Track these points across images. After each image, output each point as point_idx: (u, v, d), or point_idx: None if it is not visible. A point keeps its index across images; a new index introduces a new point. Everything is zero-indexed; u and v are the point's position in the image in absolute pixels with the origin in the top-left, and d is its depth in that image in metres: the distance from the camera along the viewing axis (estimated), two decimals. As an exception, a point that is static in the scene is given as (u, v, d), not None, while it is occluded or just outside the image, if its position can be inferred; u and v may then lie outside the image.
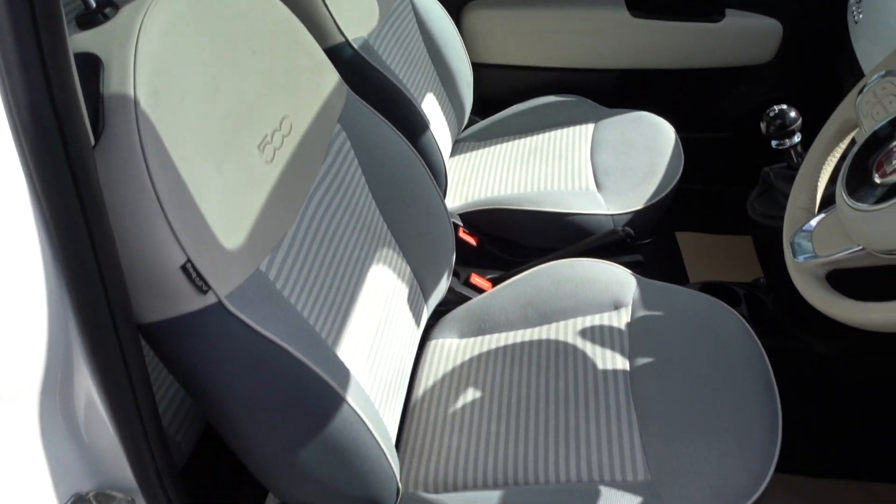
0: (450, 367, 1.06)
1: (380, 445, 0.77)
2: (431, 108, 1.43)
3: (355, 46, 1.16)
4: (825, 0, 1.51)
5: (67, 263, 0.52)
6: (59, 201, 0.49)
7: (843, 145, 0.85)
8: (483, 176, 1.48)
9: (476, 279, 1.27)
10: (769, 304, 1.28)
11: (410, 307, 1.02)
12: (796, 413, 0.88)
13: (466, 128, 1.66)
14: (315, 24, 1.11)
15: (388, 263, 0.98)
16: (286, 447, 0.70)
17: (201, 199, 0.63)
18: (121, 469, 0.64)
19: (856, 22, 1.37)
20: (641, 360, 0.96)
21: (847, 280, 0.76)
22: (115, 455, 0.63)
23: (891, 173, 0.67)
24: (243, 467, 0.74)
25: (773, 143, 1.05)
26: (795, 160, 1.07)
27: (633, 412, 0.90)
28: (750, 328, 1.00)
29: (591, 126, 1.52)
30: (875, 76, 0.80)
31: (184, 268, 0.60)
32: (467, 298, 1.18)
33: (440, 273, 1.09)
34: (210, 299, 0.63)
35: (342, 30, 1.14)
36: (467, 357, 1.07)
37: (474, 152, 1.57)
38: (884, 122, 0.73)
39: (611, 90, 1.71)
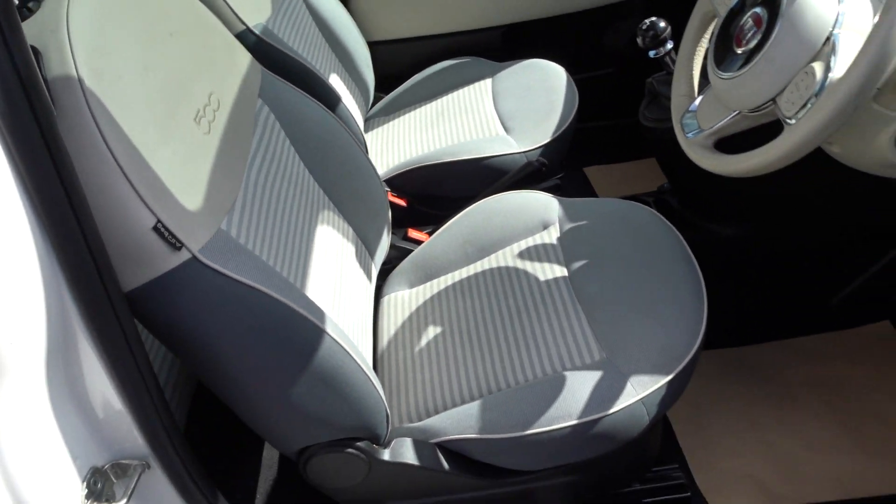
0: (407, 314, 1.13)
1: (364, 371, 0.83)
2: (338, 89, 1.48)
3: (256, 32, 1.20)
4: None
5: (55, 232, 0.55)
6: (39, 172, 0.53)
7: (707, 35, 0.98)
8: (399, 143, 1.54)
9: (414, 233, 1.34)
10: (675, 204, 1.42)
11: (360, 263, 1.08)
12: (714, 291, 0.99)
13: (373, 105, 1.72)
14: (215, 13, 1.15)
15: (331, 224, 1.03)
16: (278, 386, 0.76)
17: (156, 166, 0.67)
18: (131, 437, 0.67)
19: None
20: (576, 264, 1.06)
21: (731, 144, 0.88)
22: (124, 424, 0.66)
23: (747, 42, 0.79)
24: (234, 441, 0.77)
25: (651, 53, 1.16)
26: (672, 65, 1.19)
27: (578, 307, 1.00)
28: (664, 218, 1.11)
29: (489, 80, 1.62)
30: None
31: (156, 228, 0.64)
32: (409, 252, 1.25)
33: (380, 229, 1.15)
34: (185, 255, 0.67)
35: (241, 18, 1.18)
36: (421, 302, 1.14)
37: (386, 126, 1.63)
38: (736, 0, 0.84)
39: (501, 45, 1.81)
